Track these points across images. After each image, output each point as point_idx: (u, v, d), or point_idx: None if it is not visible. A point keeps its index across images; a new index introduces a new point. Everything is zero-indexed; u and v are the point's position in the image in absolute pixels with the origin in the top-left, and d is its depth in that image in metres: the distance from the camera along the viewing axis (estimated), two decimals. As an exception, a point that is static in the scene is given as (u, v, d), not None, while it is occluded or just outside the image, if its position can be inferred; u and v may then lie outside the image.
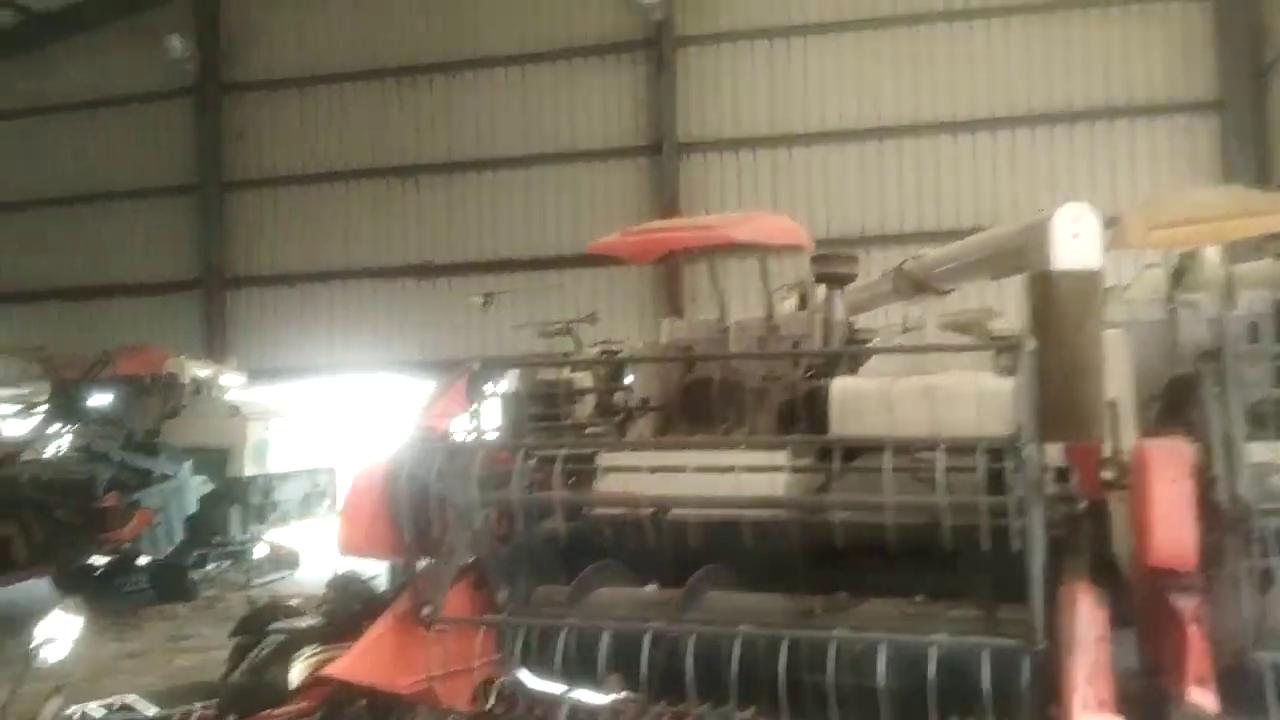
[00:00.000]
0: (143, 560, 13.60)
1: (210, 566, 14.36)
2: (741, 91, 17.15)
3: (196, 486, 13.39)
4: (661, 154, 17.33)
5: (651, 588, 5.23)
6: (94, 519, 10.82)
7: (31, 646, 4.37)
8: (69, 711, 4.66)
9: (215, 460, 13.82)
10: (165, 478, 12.87)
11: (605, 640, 3.99)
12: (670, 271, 17.01)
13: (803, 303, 9.33)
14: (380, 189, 18.54)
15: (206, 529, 13.81)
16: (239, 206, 19.18)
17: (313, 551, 15.69)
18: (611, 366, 12.46)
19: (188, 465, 13.31)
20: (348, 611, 6.07)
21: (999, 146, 16.27)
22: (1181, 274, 6.66)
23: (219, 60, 19.15)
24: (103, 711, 4.75)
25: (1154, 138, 15.78)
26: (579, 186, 17.72)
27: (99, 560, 12.54)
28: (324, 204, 18.76)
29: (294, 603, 7.32)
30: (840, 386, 6.34)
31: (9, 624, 12.61)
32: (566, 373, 12.83)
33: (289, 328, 18.50)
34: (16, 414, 12.77)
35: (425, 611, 4.50)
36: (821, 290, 7.85)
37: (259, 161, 19.09)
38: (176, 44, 18.54)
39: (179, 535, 13.12)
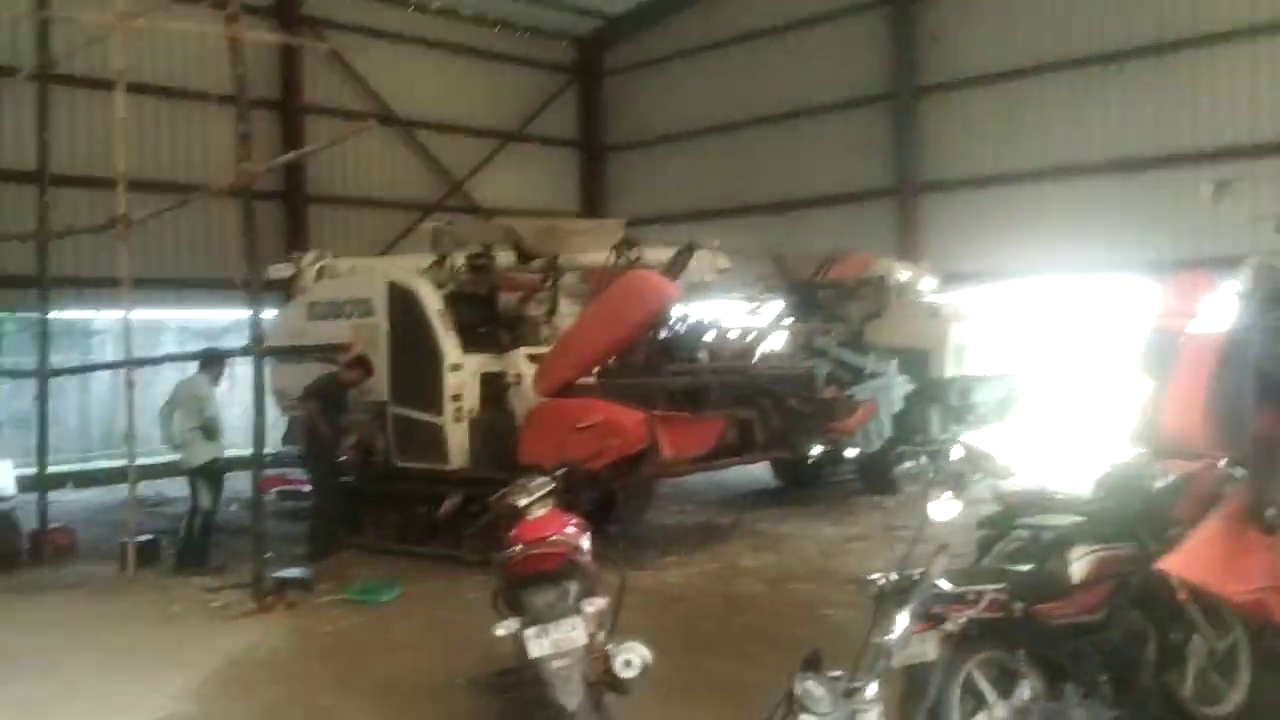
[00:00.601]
0: (851, 453, 14.48)
1: (909, 464, 14.84)
2: None
3: (901, 385, 13.84)
4: None
5: None
6: (822, 410, 11.57)
7: (925, 511, 4.67)
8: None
9: (916, 360, 14.13)
10: (875, 375, 13.45)
11: None
12: None
13: None
14: (1078, 80, 17.43)
15: (908, 427, 14.23)
16: (931, 111, 19.25)
17: (1005, 455, 15.56)
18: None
19: (894, 364, 13.78)
20: (1124, 510, 5.77)
21: None
22: None
23: (914, -36, 19.29)
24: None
25: None
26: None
27: (813, 451, 13.46)
28: (1017, 102, 18.12)
29: (1058, 497, 7.20)
30: None
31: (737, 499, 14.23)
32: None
33: (980, 231, 18.25)
34: (751, 311, 14.07)
35: (1270, 514, 4.06)
36: None
37: (952, 64, 18.94)
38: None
39: (888, 431, 13.69)
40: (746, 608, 8.82)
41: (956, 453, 15.87)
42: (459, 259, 11.90)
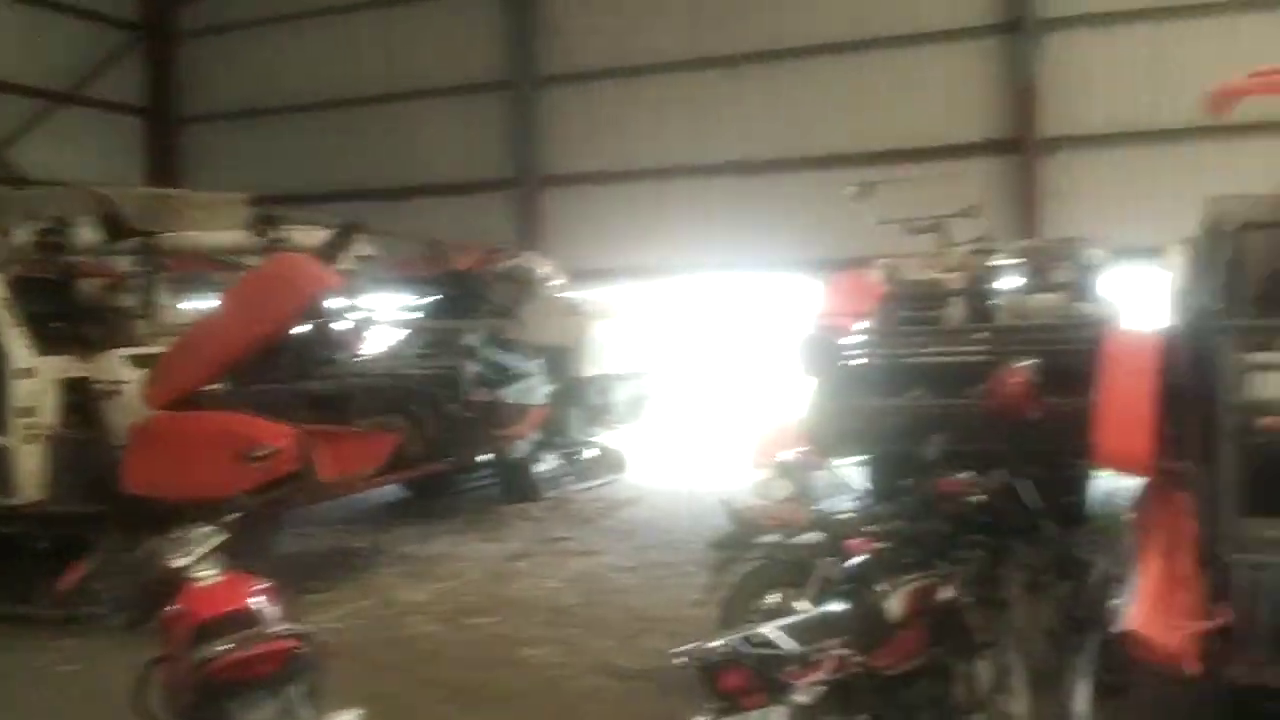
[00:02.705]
0: (485, 458, 13.42)
1: (545, 467, 14.07)
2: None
3: (544, 385, 13.03)
4: (1017, 33, 15.53)
5: None
6: (488, 416, 10.42)
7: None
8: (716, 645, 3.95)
9: (556, 358, 13.39)
10: (523, 375, 12.49)
11: None
12: (1025, 166, 15.39)
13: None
14: (697, 81, 17.49)
15: (548, 429, 13.46)
16: (552, 102, 18.55)
17: (637, 455, 15.27)
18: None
19: (539, 363, 12.93)
20: (936, 533, 5.15)
21: None
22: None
23: (529, -50, 18.48)
24: (746, 646, 3.99)
25: None
26: (917, 72, 16.15)
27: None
28: (639, 98, 17.88)
29: (781, 513, 6.56)
30: None
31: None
32: (932, 273, 11.65)
33: (605, 227, 17.83)
34: (403, 305, 12.53)
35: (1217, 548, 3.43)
36: None
37: (573, 55, 18.33)
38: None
39: (533, 435, 12.83)
40: (429, 656, 7.46)
41: (589, 453, 15.37)
42: (24, 234, 9.39)
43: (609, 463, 15.07)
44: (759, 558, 6.44)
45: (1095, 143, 15.31)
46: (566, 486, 14.15)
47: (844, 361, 9.85)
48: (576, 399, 13.81)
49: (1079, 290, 10.71)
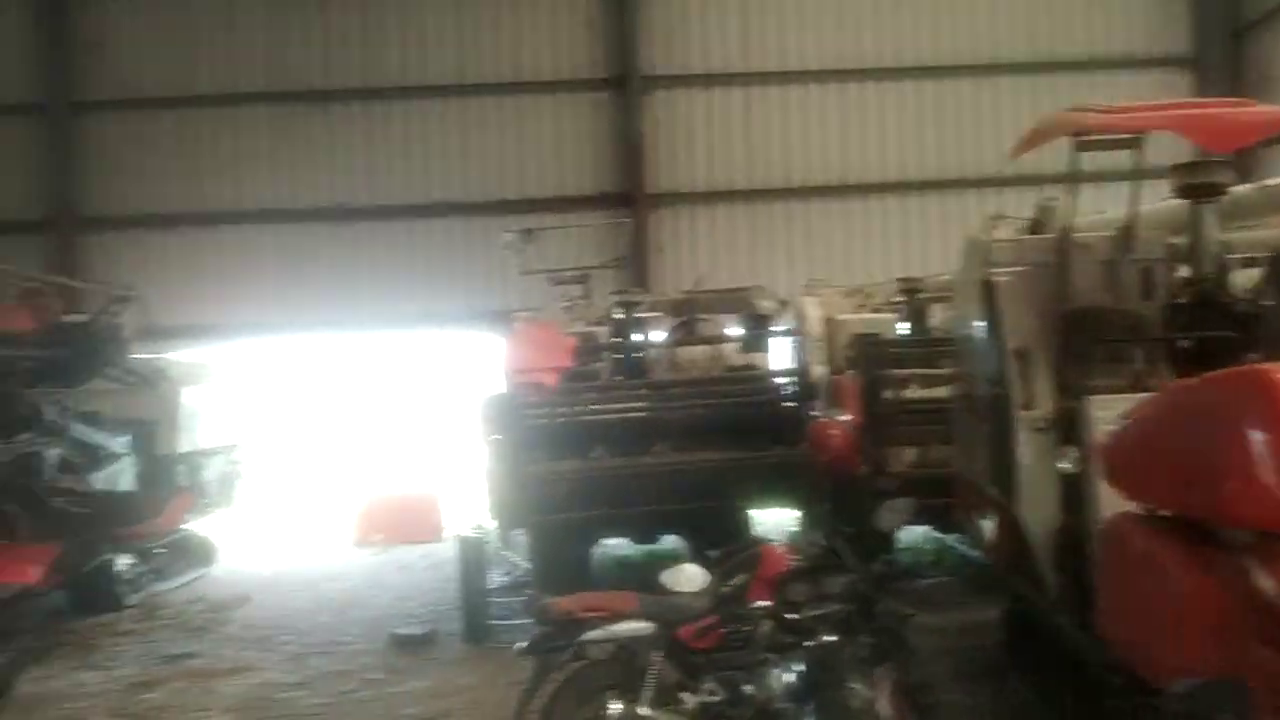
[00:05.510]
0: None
1: (120, 566, 11.43)
2: (712, 23, 15.66)
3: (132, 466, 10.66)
4: (624, 89, 15.53)
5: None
6: (120, 509, 8.11)
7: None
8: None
9: (142, 433, 11.05)
10: (115, 456, 10.04)
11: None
12: (637, 220, 15.35)
13: (1035, 229, 8.13)
14: (282, 116, 15.66)
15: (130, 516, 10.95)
16: (97, 131, 15.68)
17: (229, 544, 13.07)
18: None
19: (128, 440, 10.53)
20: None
21: (981, 94, 15.69)
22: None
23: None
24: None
25: (1129, 91, 15.69)
26: (527, 121, 15.63)
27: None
28: (208, 131, 15.66)
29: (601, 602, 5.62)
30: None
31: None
32: (582, 326, 11.12)
33: (166, 279, 15.27)
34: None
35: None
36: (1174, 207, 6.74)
37: (122, 79, 15.62)
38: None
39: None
40: None
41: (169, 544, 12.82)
42: None
43: (194, 554, 12.65)
44: (575, 659, 5.28)
45: (697, 199, 15.64)
46: (149, 588, 11.56)
47: (526, 422, 8.92)
48: (166, 480, 11.44)
49: (750, 341, 10.65)
